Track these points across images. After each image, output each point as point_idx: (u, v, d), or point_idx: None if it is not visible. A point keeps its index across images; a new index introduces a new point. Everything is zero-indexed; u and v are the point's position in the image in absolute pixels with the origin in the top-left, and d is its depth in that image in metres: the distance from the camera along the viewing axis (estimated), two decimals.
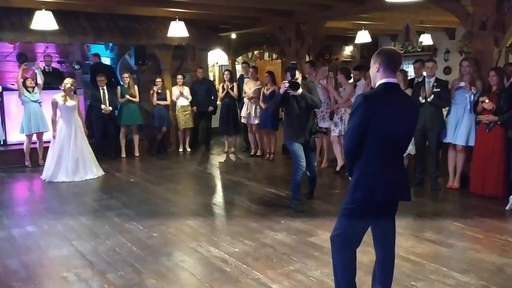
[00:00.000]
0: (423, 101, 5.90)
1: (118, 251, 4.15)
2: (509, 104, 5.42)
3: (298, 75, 5.08)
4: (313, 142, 5.38)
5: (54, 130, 7.01)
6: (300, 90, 5.00)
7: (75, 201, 6.00)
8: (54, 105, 6.98)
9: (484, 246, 4.16)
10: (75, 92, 7.36)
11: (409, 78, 6.88)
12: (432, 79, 6.04)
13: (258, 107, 8.37)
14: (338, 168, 7.20)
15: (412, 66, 6.97)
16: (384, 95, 2.67)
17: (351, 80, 7.37)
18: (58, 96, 6.98)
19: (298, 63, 5.17)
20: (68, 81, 7.04)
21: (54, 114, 7.00)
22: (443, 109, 6.22)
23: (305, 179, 5.46)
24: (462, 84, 5.82)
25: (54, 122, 7.02)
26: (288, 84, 4.96)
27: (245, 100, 8.62)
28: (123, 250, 4.18)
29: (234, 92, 8.90)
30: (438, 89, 5.94)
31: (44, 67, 8.63)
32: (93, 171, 7.19)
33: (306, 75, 7.12)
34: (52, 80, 8.43)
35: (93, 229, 4.78)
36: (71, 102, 7.02)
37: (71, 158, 6.97)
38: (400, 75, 6.01)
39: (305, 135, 5.18)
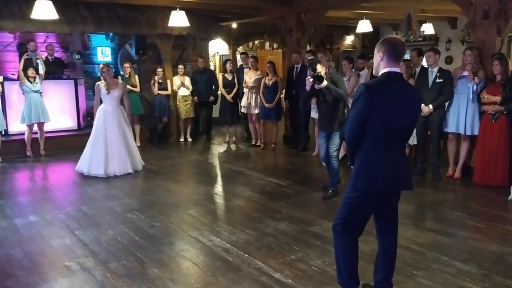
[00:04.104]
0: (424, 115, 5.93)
1: (120, 240, 4.17)
2: None
3: (320, 68, 5.01)
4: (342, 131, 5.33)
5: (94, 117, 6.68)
6: (324, 83, 4.96)
7: (77, 191, 6.02)
8: (98, 91, 6.65)
9: (485, 236, 4.17)
10: (115, 76, 7.05)
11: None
12: (435, 69, 6.02)
13: (258, 97, 8.36)
14: (339, 158, 7.19)
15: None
16: (386, 84, 2.67)
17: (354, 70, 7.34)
18: (102, 83, 6.66)
19: (316, 57, 5.18)
20: (100, 66, 6.78)
21: (97, 100, 6.73)
22: None
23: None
24: (465, 73, 5.80)
25: (96, 107, 6.70)
26: (312, 79, 4.96)
27: (245, 90, 8.61)
28: (125, 239, 4.20)
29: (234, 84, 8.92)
30: (441, 80, 5.93)
31: (46, 56, 8.60)
32: (133, 165, 6.78)
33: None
34: (55, 70, 8.38)
35: (95, 218, 4.79)
36: (115, 91, 6.61)
37: (114, 151, 6.54)
38: (403, 66, 5.98)
39: (334, 126, 5.25)
